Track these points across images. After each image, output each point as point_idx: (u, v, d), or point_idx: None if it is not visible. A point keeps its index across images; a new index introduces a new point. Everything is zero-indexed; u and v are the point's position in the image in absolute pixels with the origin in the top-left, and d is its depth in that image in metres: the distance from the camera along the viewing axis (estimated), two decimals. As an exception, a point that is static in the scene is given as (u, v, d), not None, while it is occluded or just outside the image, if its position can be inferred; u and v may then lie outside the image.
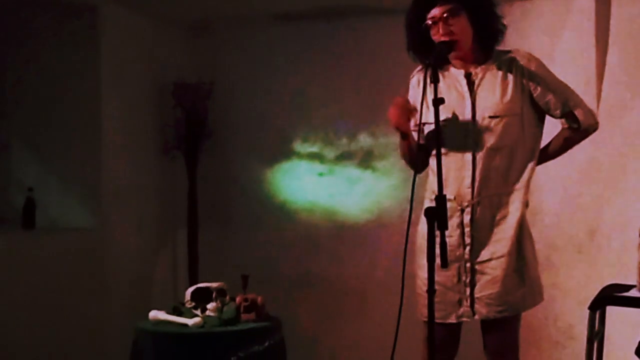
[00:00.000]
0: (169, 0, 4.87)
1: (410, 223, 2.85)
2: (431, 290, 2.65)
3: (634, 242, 4.43)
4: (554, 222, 4.68)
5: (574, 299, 4.54)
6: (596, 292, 3.37)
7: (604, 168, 4.55)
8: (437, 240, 2.62)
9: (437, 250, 2.63)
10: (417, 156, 3.06)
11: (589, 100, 4.51)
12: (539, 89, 3.00)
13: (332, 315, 5.28)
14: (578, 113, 3.01)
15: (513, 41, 4.60)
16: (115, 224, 4.88)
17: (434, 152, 2.95)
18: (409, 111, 2.94)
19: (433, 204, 2.69)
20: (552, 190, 4.67)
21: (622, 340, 4.20)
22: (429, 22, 2.96)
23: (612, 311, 3.49)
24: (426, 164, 3.13)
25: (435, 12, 2.94)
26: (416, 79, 3.15)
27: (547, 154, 3.15)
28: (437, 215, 2.63)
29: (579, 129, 3.04)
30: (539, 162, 3.11)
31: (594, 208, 4.58)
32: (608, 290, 3.38)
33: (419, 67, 3.15)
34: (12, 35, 4.91)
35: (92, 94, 4.79)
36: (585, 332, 3.28)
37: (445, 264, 2.70)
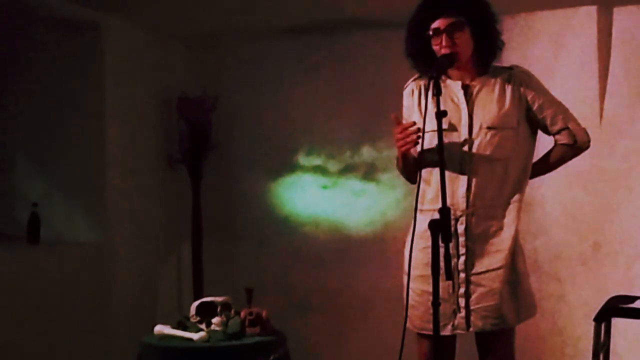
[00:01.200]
0: (172, 15, 4.89)
1: (414, 235, 2.85)
2: (436, 303, 2.65)
3: (638, 253, 4.44)
4: (558, 234, 4.68)
5: (580, 310, 4.53)
6: (601, 304, 3.36)
7: (608, 180, 4.55)
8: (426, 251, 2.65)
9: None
10: (415, 168, 3.07)
11: (592, 112, 4.56)
12: (536, 104, 3.04)
13: (337, 328, 5.27)
14: (574, 129, 3.07)
15: (515, 53, 4.64)
16: (119, 238, 4.88)
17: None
18: (416, 135, 2.94)
19: (433, 215, 2.73)
20: (556, 203, 4.67)
21: (628, 352, 4.20)
22: (431, 32, 2.97)
23: (617, 323, 3.49)
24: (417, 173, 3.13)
25: (439, 23, 2.95)
26: (410, 88, 3.17)
27: (539, 169, 3.18)
28: (442, 228, 2.64)
29: (574, 145, 3.09)
30: (532, 177, 3.13)
31: (599, 220, 4.58)
32: (613, 302, 3.38)
33: (414, 77, 3.17)
34: (16, 51, 4.93)
35: (96, 109, 4.80)
36: (591, 344, 3.28)
37: (449, 277, 2.72)
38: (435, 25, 2.96)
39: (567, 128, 3.06)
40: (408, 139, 2.92)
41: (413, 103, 3.13)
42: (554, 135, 3.09)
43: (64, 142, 4.84)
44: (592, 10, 4.62)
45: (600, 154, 4.53)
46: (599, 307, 3.32)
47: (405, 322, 2.94)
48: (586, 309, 4.33)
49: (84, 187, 4.82)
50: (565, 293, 4.64)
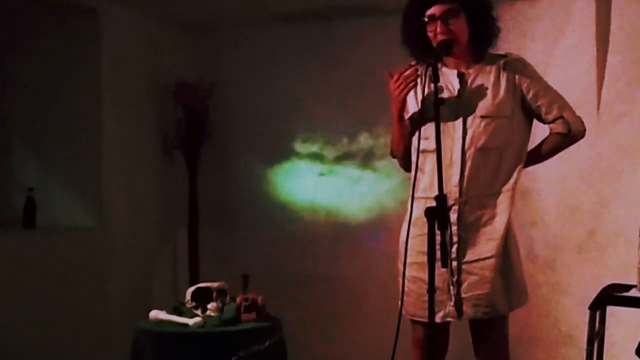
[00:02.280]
0: (169, 1, 4.87)
1: (410, 223, 2.86)
2: (431, 290, 2.66)
3: (634, 242, 4.43)
4: (554, 223, 4.69)
5: (574, 299, 4.54)
6: (596, 292, 3.37)
7: (604, 168, 4.55)
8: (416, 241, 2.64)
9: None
10: (407, 142, 3.09)
11: (589, 101, 4.55)
12: (531, 92, 3.04)
13: (333, 315, 5.28)
14: (569, 118, 3.06)
15: (514, 42, 4.63)
16: (115, 224, 4.88)
17: (420, 148, 2.99)
18: (414, 76, 2.94)
19: (426, 203, 2.75)
20: (552, 191, 4.68)
21: (622, 340, 4.21)
22: (426, 19, 2.96)
23: (612, 311, 3.50)
24: (411, 161, 3.14)
25: (434, 9, 2.94)
26: None
27: (534, 157, 3.18)
28: (438, 215, 2.64)
29: (568, 134, 3.08)
30: (526, 165, 3.14)
31: (594, 208, 4.58)
32: (608, 290, 3.38)
33: (410, 64, 3.15)
34: (11, 36, 4.91)
35: (93, 94, 4.79)
36: (586, 332, 3.29)
37: (445, 264, 2.73)
38: (430, 11, 2.96)
39: (562, 117, 3.06)
40: (405, 82, 2.91)
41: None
42: (548, 124, 3.08)
43: (60, 127, 4.84)
44: (590, 0, 4.60)
45: (597, 142, 4.53)
46: (594, 295, 3.32)
47: (401, 309, 2.95)
48: (581, 297, 4.33)
49: (80, 172, 4.82)
50: (560, 281, 4.65)
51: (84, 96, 4.80)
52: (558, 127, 3.07)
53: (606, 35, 4.61)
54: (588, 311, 3.29)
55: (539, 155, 3.18)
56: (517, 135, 3.04)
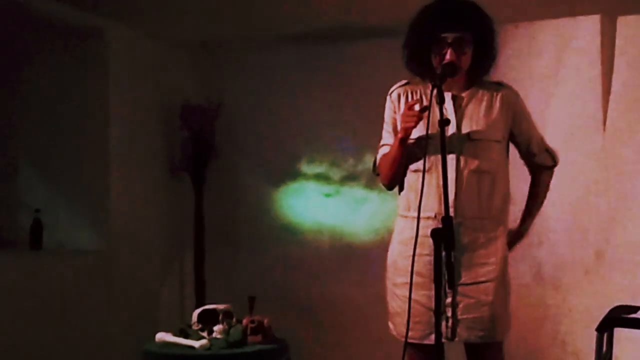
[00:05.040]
0: (176, 23, 4.90)
1: (416, 243, 2.85)
2: (438, 313, 2.65)
3: (641, 263, 4.42)
4: (561, 243, 4.67)
5: (582, 320, 4.52)
6: (604, 314, 3.35)
7: (611, 188, 4.55)
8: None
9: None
10: (403, 167, 3.08)
11: (595, 120, 4.56)
12: (522, 125, 3.11)
13: (339, 336, 5.26)
14: (551, 151, 3.19)
15: (519, 62, 4.65)
16: (122, 246, 4.89)
17: (412, 167, 3.03)
18: (420, 118, 2.95)
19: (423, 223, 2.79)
20: (559, 212, 4.66)
21: (630, 362, 4.18)
22: (436, 40, 2.96)
23: (620, 333, 3.48)
24: (400, 180, 3.12)
25: (448, 35, 2.94)
26: (396, 93, 3.15)
27: (533, 207, 3.23)
28: (445, 236, 2.64)
29: (553, 166, 3.20)
30: (529, 216, 3.22)
31: (601, 229, 4.57)
32: (616, 311, 3.37)
33: (400, 83, 3.17)
34: (20, 57, 4.95)
35: (100, 116, 4.82)
36: (593, 354, 3.27)
37: (451, 285, 2.73)
38: (443, 35, 2.95)
39: (547, 150, 3.17)
40: (418, 117, 2.92)
41: (399, 108, 3.12)
42: (533, 156, 3.15)
43: (67, 149, 4.86)
44: (595, 19, 4.62)
45: (604, 162, 4.52)
46: (602, 317, 3.31)
47: (407, 331, 2.93)
48: (588, 319, 4.31)
49: (87, 193, 4.83)
50: (568, 302, 4.63)
51: (91, 118, 4.83)
52: (545, 159, 3.17)
53: (611, 54, 4.62)
54: (595, 333, 3.27)
55: (539, 201, 3.23)
56: (505, 161, 3.09)
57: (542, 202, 3.24)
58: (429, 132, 2.89)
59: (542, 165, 3.17)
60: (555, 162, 3.19)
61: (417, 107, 2.94)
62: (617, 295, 4.30)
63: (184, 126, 5.32)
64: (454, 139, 2.97)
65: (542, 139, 3.18)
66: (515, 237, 3.22)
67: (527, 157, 3.16)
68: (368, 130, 5.16)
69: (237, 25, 4.97)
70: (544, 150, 3.16)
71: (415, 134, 3.00)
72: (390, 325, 3.12)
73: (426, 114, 2.85)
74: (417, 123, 2.93)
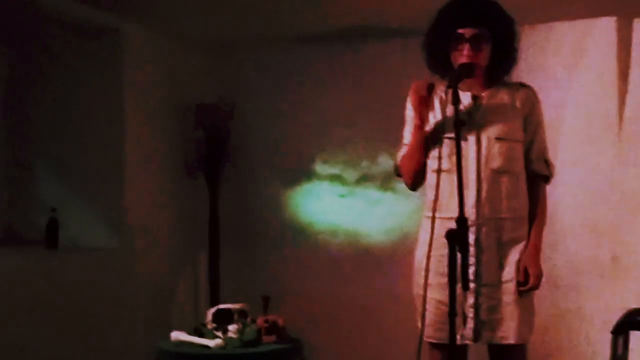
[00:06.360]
0: (191, 22, 4.91)
1: (431, 243, 2.84)
2: (452, 314, 2.65)
3: (657, 266, 4.40)
4: (577, 247, 4.66)
5: (597, 323, 4.50)
6: (619, 317, 3.34)
7: (627, 192, 4.53)
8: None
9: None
10: (421, 163, 3.08)
11: (610, 123, 4.54)
12: (530, 127, 3.06)
13: (353, 336, 5.26)
14: (549, 162, 3.10)
15: (535, 63, 4.63)
16: (137, 244, 4.90)
17: (433, 168, 3.01)
18: (430, 98, 2.96)
19: (442, 223, 2.79)
20: (574, 215, 4.65)
21: (646, 365, 4.16)
22: (454, 36, 2.96)
23: (635, 336, 3.47)
24: (423, 180, 3.14)
25: (465, 30, 2.94)
26: None
27: (534, 220, 3.08)
28: (459, 237, 2.63)
29: (549, 177, 3.11)
30: (539, 230, 3.09)
31: (617, 232, 4.55)
32: (631, 314, 3.36)
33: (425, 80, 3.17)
34: (35, 57, 4.98)
35: (115, 115, 4.83)
36: (608, 357, 3.26)
37: (466, 287, 2.72)
38: (460, 31, 2.95)
39: (545, 161, 3.09)
40: (422, 94, 2.94)
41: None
42: (531, 163, 3.07)
43: (83, 148, 4.87)
44: (611, 21, 4.61)
45: (619, 165, 4.50)
46: (617, 320, 3.30)
47: (422, 332, 2.93)
48: (604, 322, 4.30)
49: (102, 192, 4.85)
50: (583, 306, 4.62)
51: (106, 117, 4.84)
52: (542, 168, 3.09)
53: (627, 55, 4.60)
54: (611, 335, 3.26)
55: (536, 212, 3.09)
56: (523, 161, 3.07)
57: (541, 217, 3.10)
58: (448, 132, 2.89)
59: (537, 173, 3.08)
60: (550, 174, 3.10)
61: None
62: (632, 299, 4.28)
63: (199, 125, 5.33)
64: (474, 139, 2.97)
65: (544, 148, 3.10)
66: (527, 255, 3.04)
67: (525, 162, 3.07)
68: (382, 130, 5.20)
69: (252, 26, 4.98)
70: (542, 159, 3.08)
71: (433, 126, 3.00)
72: (419, 326, 3.05)
73: (444, 113, 2.86)
74: (423, 93, 2.93)
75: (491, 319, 2.96)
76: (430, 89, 2.97)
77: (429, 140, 3.05)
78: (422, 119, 3.01)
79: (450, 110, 2.81)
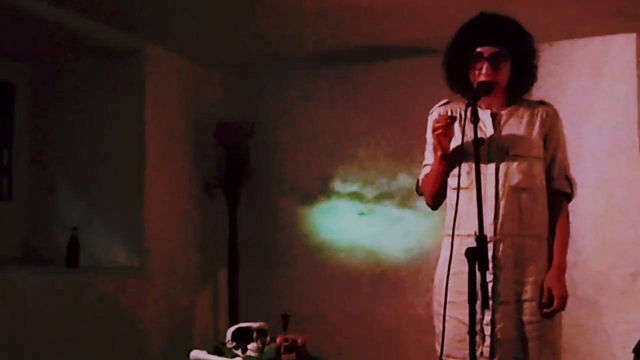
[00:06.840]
0: (211, 42, 4.95)
1: (451, 261, 2.84)
2: (472, 332, 2.63)
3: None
4: (597, 265, 4.63)
5: (618, 341, 4.46)
6: (641, 335, 3.32)
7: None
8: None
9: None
10: (442, 184, 3.07)
11: (630, 140, 4.52)
12: (551, 144, 3.04)
13: (373, 355, 5.24)
14: (571, 179, 3.06)
15: (554, 81, 4.62)
16: (156, 263, 4.92)
17: (452, 185, 3.00)
18: (450, 128, 2.95)
19: (461, 241, 2.78)
20: (595, 232, 4.62)
21: (668, 384, 4.12)
22: (473, 55, 2.96)
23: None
24: (444, 199, 3.13)
25: (484, 49, 2.94)
26: (437, 113, 3.13)
27: (558, 239, 3.04)
28: (479, 255, 2.62)
29: (571, 194, 3.07)
30: (560, 253, 3.03)
31: (637, 249, 4.52)
32: (653, 332, 3.33)
33: (441, 102, 3.16)
34: (57, 78, 5.03)
35: (137, 135, 4.87)
36: (631, 376, 3.23)
37: (486, 305, 2.70)
38: (479, 49, 2.95)
39: (567, 178, 3.06)
40: (444, 129, 2.92)
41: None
42: (552, 181, 3.04)
43: (104, 168, 4.91)
44: (631, 37, 4.60)
45: (639, 184, 4.48)
46: (638, 338, 3.27)
47: (442, 351, 2.91)
48: (625, 340, 4.26)
49: (123, 212, 4.88)
50: (604, 323, 4.58)
51: (127, 137, 4.88)
52: (564, 185, 3.05)
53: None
54: (632, 354, 3.23)
55: (559, 230, 3.05)
56: (544, 179, 3.04)
57: (564, 236, 3.05)
58: (467, 150, 2.89)
59: (559, 190, 3.04)
60: (572, 191, 3.05)
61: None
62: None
63: (219, 144, 5.36)
64: (493, 156, 2.97)
65: (566, 165, 3.07)
66: (550, 276, 2.97)
67: (547, 180, 3.04)
68: (401, 148, 5.20)
69: (271, 45, 5.01)
70: (563, 176, 3.04)
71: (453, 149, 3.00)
72: (437, 347, 3.03)
73: (463, 131, 2.85)
74: (445, 129, 2.93)
75: (507, 338, 2.93)
76: (451, 123, 2.95)
77: (450, 163, 3.05)
78: (444, 149, 3.01)
79: (469, 129, 2.82)
